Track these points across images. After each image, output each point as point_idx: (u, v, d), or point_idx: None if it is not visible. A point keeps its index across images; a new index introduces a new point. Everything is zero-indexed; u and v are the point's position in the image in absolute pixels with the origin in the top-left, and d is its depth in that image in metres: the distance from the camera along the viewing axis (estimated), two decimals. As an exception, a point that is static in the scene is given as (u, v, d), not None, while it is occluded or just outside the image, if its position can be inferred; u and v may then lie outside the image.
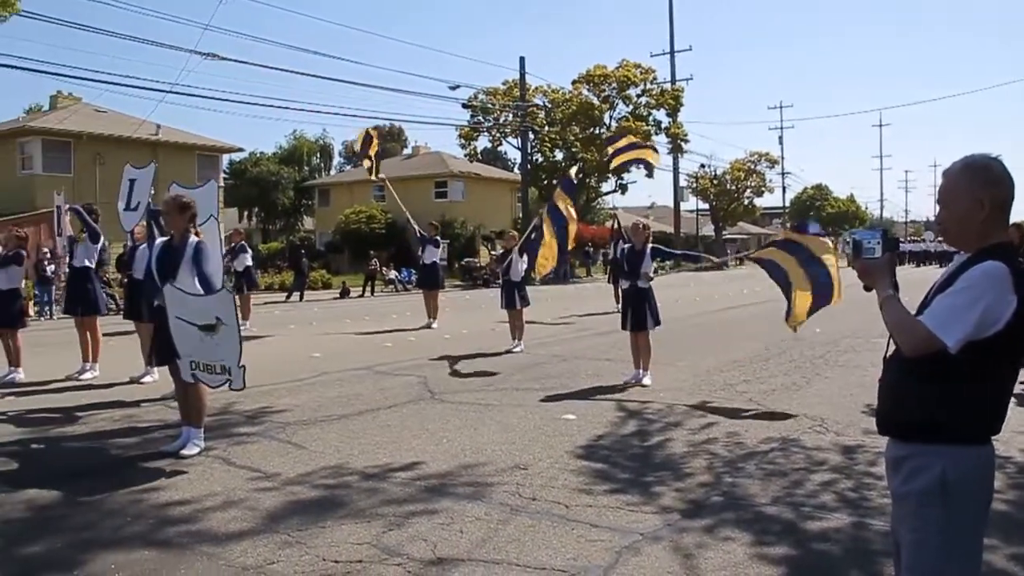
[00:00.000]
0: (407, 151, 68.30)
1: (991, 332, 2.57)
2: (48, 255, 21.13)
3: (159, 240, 7.12)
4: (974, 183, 2.69)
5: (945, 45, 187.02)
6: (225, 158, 49.65)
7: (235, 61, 55.86)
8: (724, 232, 74.64)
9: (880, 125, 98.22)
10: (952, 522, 2.62)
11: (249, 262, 17.81)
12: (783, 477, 5.98)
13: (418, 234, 18.22)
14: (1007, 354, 2.62)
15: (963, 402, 2.61)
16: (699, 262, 10.76)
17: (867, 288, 2.89)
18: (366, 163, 16.87)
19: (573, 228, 11.70)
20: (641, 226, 10.35)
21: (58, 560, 4.48)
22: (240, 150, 51.88)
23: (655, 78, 48.45)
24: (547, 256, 11.70)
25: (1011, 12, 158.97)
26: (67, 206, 11.28)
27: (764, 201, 77.49)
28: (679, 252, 10.88)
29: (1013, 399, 2.88)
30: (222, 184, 44.57)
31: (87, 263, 10.89)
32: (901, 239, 75.81)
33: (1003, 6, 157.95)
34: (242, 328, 6.52)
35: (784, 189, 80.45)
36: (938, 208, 2.82)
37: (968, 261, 2.67)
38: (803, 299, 8.38)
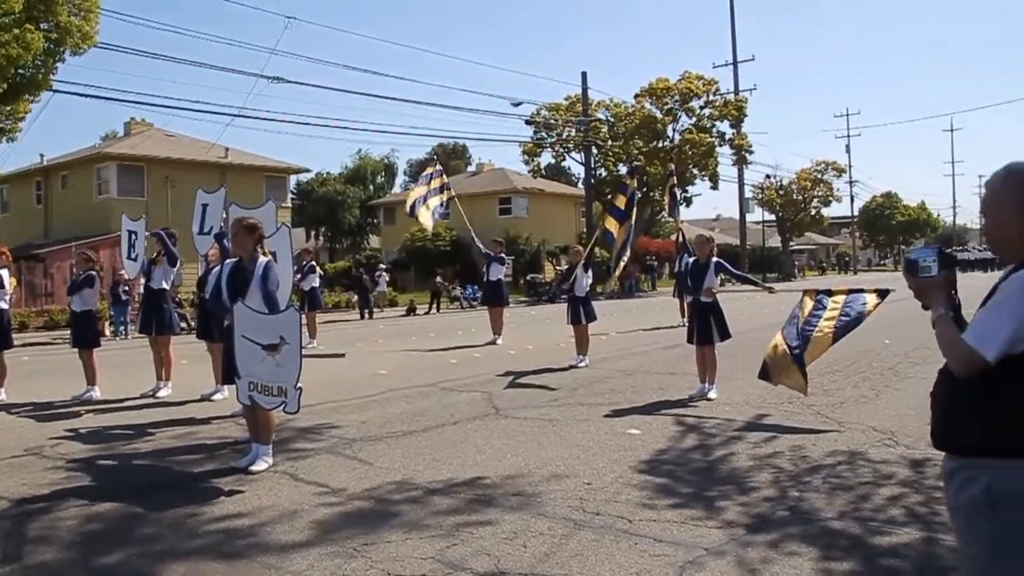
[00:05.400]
0: (471, 168, 68.89)
1: None
2: (123, 276, 21.64)
3: (229, 261, 7.28)
4: (1018, 192, 2.61)
5: (1019, 42, 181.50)
6: (292, 179, 50.75)
7: (300, 84, 56.67)
8: (791, 243, 73.65)
9: (951, 130, 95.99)
10: (1004, 538, 2.52)
11: (316, 283, 18.07)
12: (850, 491, 5.88)
13: (483, 251, 18.30)
14: None
15: (1007, 414, 2.53)
16: (757, 286, 10.81)
17: (924, 307, 2.83)
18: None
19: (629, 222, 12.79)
20: (705, 239, 10.29)
21: (132, 571, 4.61)
22: (307, 171, 53.02)
23: (718, 89, 48.04)
24: (622, 245, 12.74)
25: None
26: (148, 232, 11.56)
27: (832, 211, 76.61)
28: (739, 273, 10.85)
29: None
30: (289, 204, 45.39)
31: (164, 285, 11.21)
32: (966, 248, 73.81)
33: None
34: (308, 346, 6.63)
35: (852, 198, 79.50)
36: (982, 218, 2.76)
37: (1010, 271, 2.61)
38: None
